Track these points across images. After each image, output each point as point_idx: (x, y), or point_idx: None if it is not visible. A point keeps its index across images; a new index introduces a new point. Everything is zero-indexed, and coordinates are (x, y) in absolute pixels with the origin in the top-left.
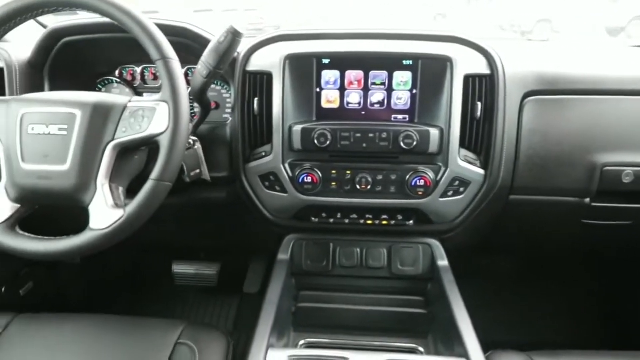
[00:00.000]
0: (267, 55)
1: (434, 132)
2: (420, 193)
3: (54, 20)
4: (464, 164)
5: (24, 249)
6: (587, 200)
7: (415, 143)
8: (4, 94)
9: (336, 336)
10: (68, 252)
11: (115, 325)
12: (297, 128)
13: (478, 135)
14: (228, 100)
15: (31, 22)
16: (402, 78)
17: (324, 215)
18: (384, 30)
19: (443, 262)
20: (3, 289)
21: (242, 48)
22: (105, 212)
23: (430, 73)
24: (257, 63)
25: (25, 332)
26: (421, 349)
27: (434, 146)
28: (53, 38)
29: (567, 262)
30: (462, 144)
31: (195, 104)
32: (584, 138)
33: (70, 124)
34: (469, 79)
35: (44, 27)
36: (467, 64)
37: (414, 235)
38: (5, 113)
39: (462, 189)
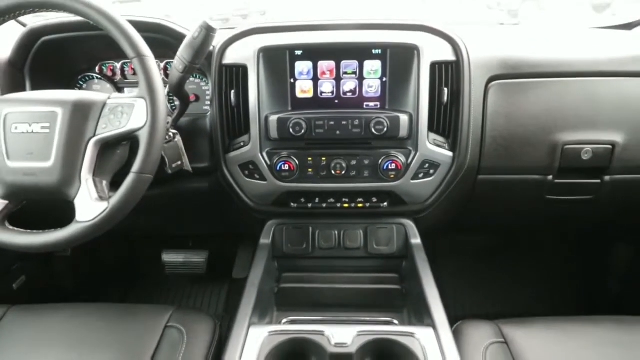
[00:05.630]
0: (242, 49)
1: (404, 118)
2: (392, 176)
3: (33, 20)
4: (433, 147)
5: (13, 242)
6: (550, 177)
7: (386, 129)
8: None
9: (317, 313)
10: (56, 244)
11: (106, 313)
12: (273, 118)
13: (445, 119)
14: (207, 92)
15: (12, 22)
16: (372, 67)
17: (302, 200)
18: (354, 21)
19: (416, 240)
20: None
21: (217, 41)
22: (90, 205)
23: (399, 61)
24: (232, 56)
25: (18, 323)
26: (396, 321)
27: (403, 131)
28: (31, 37)
29: (535, 237)
30: (431, 128)
31: (175, 98)
32: (545, 119)
33: (52, 122)
34: (435, 66)
35: (24, 26)
36: (433, 51)
37: (389, 216)
38: None
39: (432, 171)
